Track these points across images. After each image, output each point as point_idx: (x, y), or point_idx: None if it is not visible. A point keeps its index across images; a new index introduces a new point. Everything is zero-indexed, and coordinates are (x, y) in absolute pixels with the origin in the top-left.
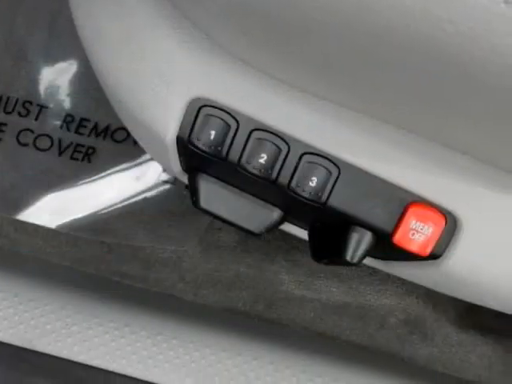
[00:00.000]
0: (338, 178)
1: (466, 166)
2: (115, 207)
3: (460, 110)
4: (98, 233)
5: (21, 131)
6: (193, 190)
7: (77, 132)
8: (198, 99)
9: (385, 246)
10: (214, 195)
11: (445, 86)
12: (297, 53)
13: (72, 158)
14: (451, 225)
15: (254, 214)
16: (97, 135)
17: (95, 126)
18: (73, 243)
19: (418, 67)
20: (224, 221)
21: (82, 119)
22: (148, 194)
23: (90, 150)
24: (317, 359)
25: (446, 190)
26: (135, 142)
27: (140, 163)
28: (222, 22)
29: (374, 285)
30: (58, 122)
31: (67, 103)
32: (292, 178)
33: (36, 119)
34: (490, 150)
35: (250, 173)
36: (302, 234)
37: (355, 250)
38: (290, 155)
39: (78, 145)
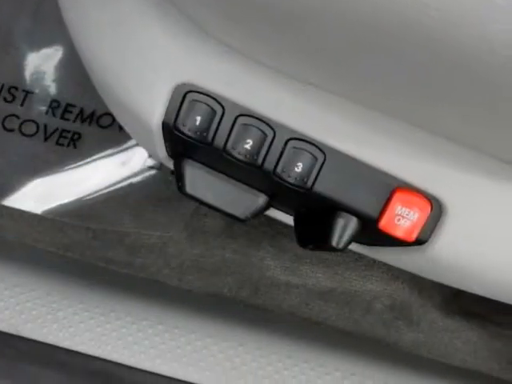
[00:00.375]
0: (323, 163)
1: (452, 152)
2: (101, 193)
3: (446, 97)
4: (84, 218)
5: (6, 117)
6: (178, 175)
7: (62, 117)
8: (183, 85)
9: (370, 231)
10: (200, 181)
11: (431, 73)
12: (283, 39)
13: (58, 143)
14: (437, 210)
15: (240, 200)
16: (82, 121)
17: (81, 112)
18: (58, 229)
19: (404, 54)
20: (209, 206)
21: (68, 105)
22: (133, 180)
23: (76, 136)
24: (302, 345)
25: (432, 175)
26: (121, 128)
27: (126, 149)
28: (208, 7)
29: (360, 270)
30: (44, 108)
31: (53, 89)
32: (277, 163)
33: (22, 105)
34: (476, 136)
35: (235, 158)
36: (288, 219)
37: (341, 236)
38: (275, 141)
39: (63, 130)
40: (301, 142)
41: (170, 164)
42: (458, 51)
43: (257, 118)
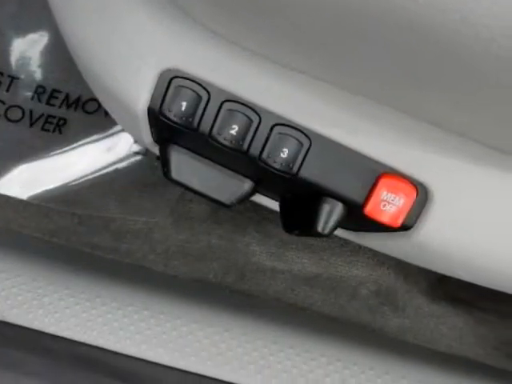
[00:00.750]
0: (309, 149)
1: (438, 138)
2: (86, 178)
3: (431, 82)
4: (69, 204)
5: None
6: (164, 161)
7: (48, 103)
8: (169, 70)
9: (356, 217)
10: (185, 166)
11: (416, 58)
12: (268, 25)
13: (43, 129)
14: (422, 196)
15: (225, 185)
16: (68, 106)
17: (66, 97)
18: (44, 214)
19: (390, 39)
20: (195, 192)
21: (54, 90)
22: (119, 165)
23: (62, 121)
24: (288, 330)
25: (418, 161)
26: (106, 113)
27: (111, 134)
28: None
29: (346, 256)
30: (30, 94)
31: (38, 74)
32: (263, 149)
33: (7, 90)
34: (462, 121)
35: (221, 144)
36: (274, 205)
37: (326, 221)
38: (261, 126)
39: (49, 116)
40: (286, 128)
41: (156, 150)
42: (442, 36)
43: (242, 104)
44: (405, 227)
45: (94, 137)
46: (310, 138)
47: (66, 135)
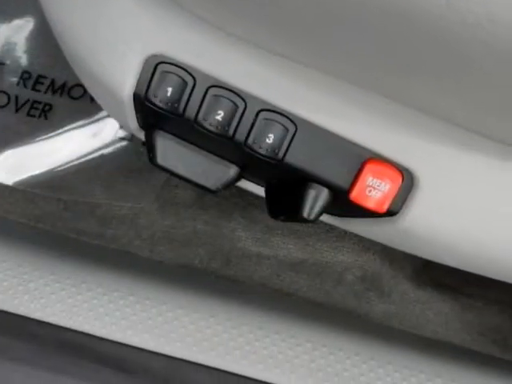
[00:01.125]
0: (294, 134)
1: (424, 124)
2: (72, 164)
3: (417, 67)
4: (55, 190)
5: None
6: (149, 146)
7: (34, 89)
8: (154, 56)
9: (342, 202)
10: (171, 152)
11: (401, 43)
12: (253, 10)
13: (29, 114)
14: (408, 182)
15: (211, 171)
16: (53, 92)
17: (52, 83)
18: (30, 200)
19: (374, 24)
20: (181, 178)
21: (39, 76)
22: (105, 151)
23: (47, 107)
24: (273, 316)
25: (404, 146)
26: (92, 99)
27: (97, 120)
28: None
29: (331, 242)
30: (15, 79)
31: (24, 60)
32: (249, 134)
33: None
34: (447, 107)
35: (206, 129)
36: (259, 190)
37: (312, 207)
38: (246, 112)
39: (34, 101)
40: (272, 114)
41: (142, 135)
42: (427, 21)
43: (228, 89)
44: (390, 213)
45: (80, 122)
46: (295, 124)
47: (52, 121)
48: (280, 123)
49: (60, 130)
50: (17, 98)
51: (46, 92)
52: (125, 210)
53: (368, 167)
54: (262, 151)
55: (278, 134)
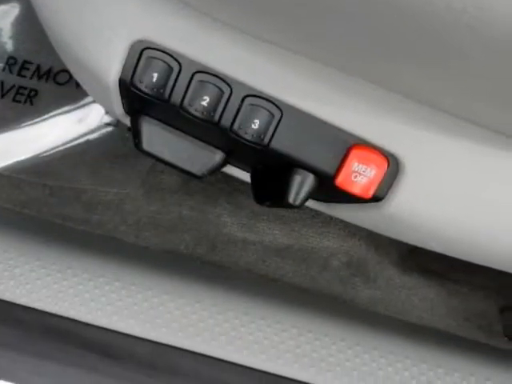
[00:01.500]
0: (280, 120)
1: (409, 109)
2: (58, 149)
3: (402, 52)
4: (41, 175)
5: None
6: (135, 132)
7: (19, 74)
8: (140, 42)
9: (327, 188)
10: (157, 138)
11: (387, 28)
12: None
13: (14, 100)
14: (394, 167)
15: (197, 157)
16: (39, 78)
17: (38, 69)
18: (15, 186)
19: (360, 9)
20: (166, 163)
21: (25, 62)
22: (90, 137)
23: (33, 93)
24: (259, 302)
25: (389, 132)
26: (78, 85)
27: (82, 105)
28: None
29: (317, 227)
30: (1, 65)
31: (10, 46)
32: (234, 120)
33: None
34: (432, 92)
35: (192, 115)
36: (245, 176)
37: (298, 193)
38: (232, 97)
39: (20, 87)
40: (258, 99)
41: (127, 121)
42: (413, 6)
43: (214, 75)
44: (376, 198)
45: (66, 108)
46: (281, 110)
47: (38, 106)
48: (265, 109)
49: (46, 116)
50: (2, 83)
51: (31, 78)
52: (110, 196)
53: (354, 153)
54: (248, 137)
55: (264, 119)
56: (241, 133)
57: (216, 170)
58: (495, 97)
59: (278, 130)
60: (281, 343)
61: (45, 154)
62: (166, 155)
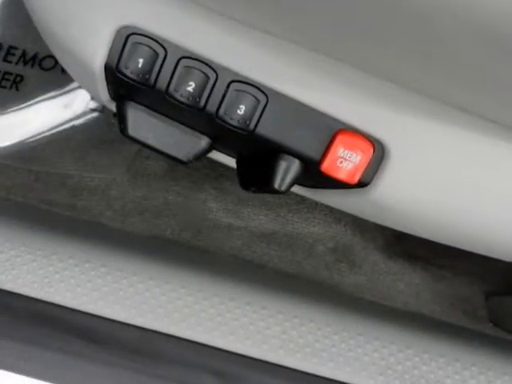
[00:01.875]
0: (265, 106)
1: (395, 95)
2: (43, 135)
3: (387, 37)
4: (26, 161)
5: None
6: (121, 117)
7: (5, 60)
8: (126, 27)
9: (313, 174)
10: (142, 123)
11: (370, 12)
12: None
13: (0, 85)
14: (379, 153)
15: (182, 142)
16: (25, 63)
17: (23, 54)
18: (1, 171)
19: None
20: (152, 149)
21: (10, 47)
22: (76, 122)
23: (18, 78)
24: (245, 287)
25: (374, 118)
26: (63, 70)
27: (68, 91)
28: None
29: (302, 213)
30: None
31: None
32: (220, 105)
33: None
34: (417, 77)
35: (178, 101)
36: (231, 162)
37: (283, 178)
38: (217, 83)
39: (5, 73)
40: (243, 85)
41: (113, 106)
42: None
43: (199, 61)
44: (361, 184)
45: (51, 93)
46: (266, 95)
47: (23, 92)
48: (251, 94)
49: (31, 101)
50: None
51: (17, 63)
52: (96, 181)
53: (339, 138)
54: (234, 122)
55: (249, 105)
56: (226, 118)
57: (202, 155)
58: (479, 82)
59: (263, 116)
60: (266, 329)
61: (30, 140)
62: (152, 141)
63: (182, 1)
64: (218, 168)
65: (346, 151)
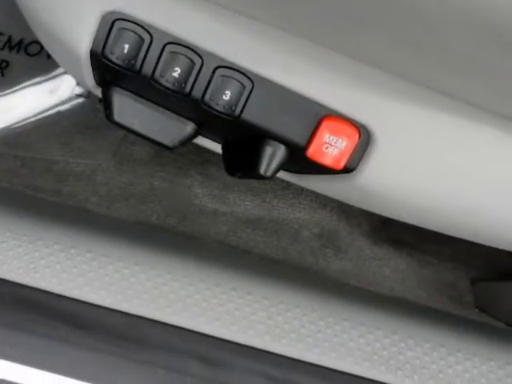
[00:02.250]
0: (251, 91)
1: (381, 81)
2: (29, 121)
3: (370, 23)
4: (12, 146)
5: None
6: (106, 103)
7: None
8: (111, 13)
9: (298, 159)
10: (128, 109)
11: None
12: None
13: None
14: (365, 138)
15: (168, 128)
16: (10, 49)
17: (9, 40)
18: None
19: None
20: (138, 134)
21: None
22: (62, 108)
23: (4, 64)
24: (230, 273)
25: (360, 103)
26: (49, 56)
27: (54, 77)
28: None
29: (288, 198)
30: None
31: None
32: (206, 91)
33: None
34: (402, 63)
35: (163, 86)
36: (216, 147)
37: (269, 164)
38: (203, 69)
39: None
40: (229, 70)
41: (98, 92)
42: None
43: (185, 46)
44: (347, 169)
45: (37, 79)
46: (252, 81)
47: (9, 77)
48: (237, 80)
49: (17, 87)
50: None
51: (2, 49)
52: (82, 167)
53: (325, 124)
54: (219, 108)
55: (235, 90)
56: (212, 104)
57: (187, 141)
58: (465, 68)
59: (249, 102)
60: (252, 314)
61: (16, 125)
62: (138, 126)
63: None
64: (204, 154)
65: (332, 137)
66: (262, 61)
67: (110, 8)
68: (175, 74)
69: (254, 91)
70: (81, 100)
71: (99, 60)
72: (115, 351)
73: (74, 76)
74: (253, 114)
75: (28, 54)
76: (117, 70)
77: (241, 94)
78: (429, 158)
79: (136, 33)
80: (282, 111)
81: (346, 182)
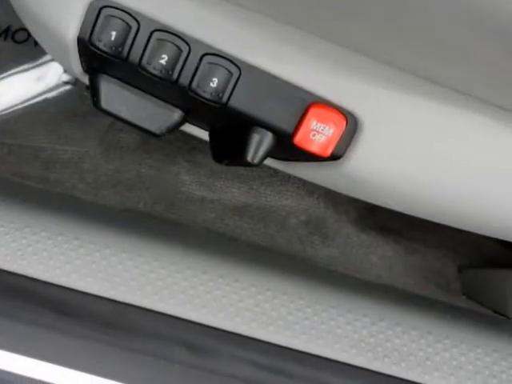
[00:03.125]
0: (238, 78)
1: (368, 68)
2: (16, 108)
3: (357, 10)
4: None
5: None
6: (94, 90)
7: None
8: (98, 0)
9: (286, 146)
10: (115, 96)
11: None
12: None
13: None
14: (352, 126)
15: (155, 115)
16: None
17: None
18: None
19: None
20: (125, 122)
21: None
22: (49, 95)
23: None
24: (218, 260)
25: (347, 90)
26: (36, 43)
27: (41, 64)
28: None
29: (275, 186)
30: None
31: None
32: (193, 78)
33: None
34: (388, 50)
35: (150, 73)
36: (203, 134)
37: (256, 151)
38: (190, 56)
39: None
40: (216, 58)
41: (86, 79)
42: None
43: (172, 34)
44: (334, 157)
45: (24, 66)
46: (239, 68)
47: None
48: (224, 67)
49: (4, 74)
50: None
51: None
52: (69, 154)
53: (312, 111)
54: (206, 95)
55: (222, 77)
56: (199, 91)
57: (175, 128)
58: (452, 55)
59: (236, 89)
60: (239, 301)
61: (3, 113)
62: (125, 113)
63: None
64: (191, 141)
65: (319, 124)
66: (249, 48)
67: None
68: (162, 62)
69: (241, 78)
70: (68, 87)
71: (86, 47)
72: (102, 338)
73: (61, 63)
74: (240, 102)
75: (15, 41)
76: (104, 57)
77: (228, 81)
78: (416, 145)
79: (123, 20)
80: (270, 98)
81: (333, 170)
